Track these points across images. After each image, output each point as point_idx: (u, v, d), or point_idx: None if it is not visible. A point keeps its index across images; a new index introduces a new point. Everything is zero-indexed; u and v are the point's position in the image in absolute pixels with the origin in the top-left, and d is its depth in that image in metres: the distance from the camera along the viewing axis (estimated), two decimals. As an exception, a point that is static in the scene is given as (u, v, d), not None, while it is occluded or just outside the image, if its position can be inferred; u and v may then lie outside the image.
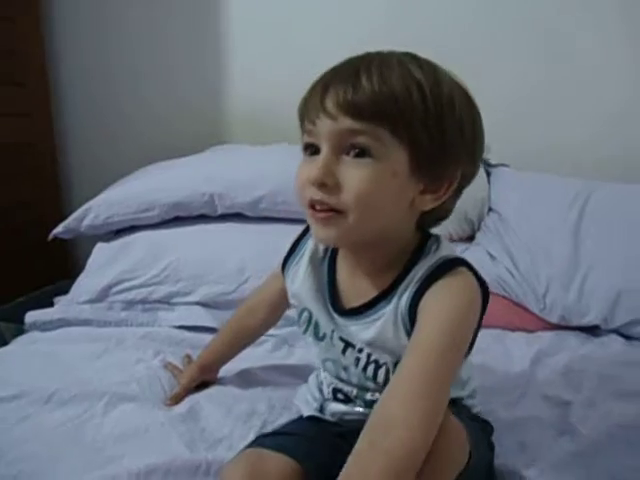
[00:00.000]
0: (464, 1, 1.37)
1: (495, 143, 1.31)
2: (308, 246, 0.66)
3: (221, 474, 0.60)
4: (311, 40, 1.42)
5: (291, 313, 0.74)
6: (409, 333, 0.55)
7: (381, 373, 0.60)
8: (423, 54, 0.55)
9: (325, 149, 0.52)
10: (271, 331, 0.97)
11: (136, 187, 1.18)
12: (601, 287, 1.04)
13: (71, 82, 1.56)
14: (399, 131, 0.50)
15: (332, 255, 0.63)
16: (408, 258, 0.57)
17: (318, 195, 0.52)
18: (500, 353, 0.97)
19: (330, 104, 0.51)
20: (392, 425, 0.47)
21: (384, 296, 0.58)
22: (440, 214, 0.59)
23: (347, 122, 0.50)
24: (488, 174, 1.34)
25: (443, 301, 0.53)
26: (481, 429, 0.64)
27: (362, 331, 0.59)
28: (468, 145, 0.54)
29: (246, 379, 0.84)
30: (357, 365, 0.61)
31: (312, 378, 0.73)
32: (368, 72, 0.50)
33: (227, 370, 0.86)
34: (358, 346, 0.61)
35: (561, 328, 1.06)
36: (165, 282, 1.05)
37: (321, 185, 0.51)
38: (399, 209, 0.54)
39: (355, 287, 0.60)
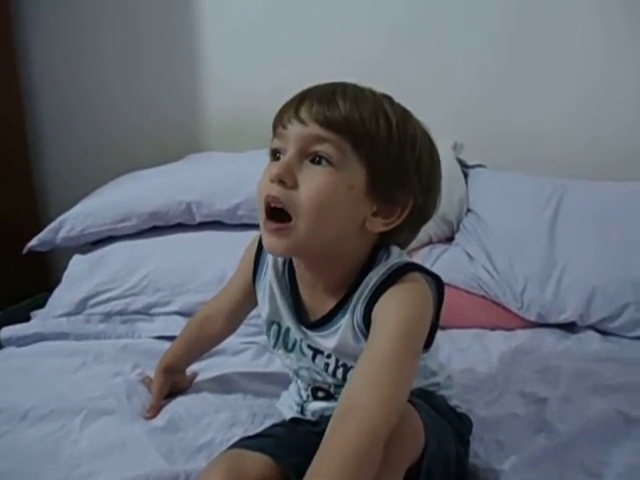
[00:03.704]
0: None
1: (467, 141, 1.36)
2: (270, 259, 0.67)
3: (200, 475, 0.60)
4: (287, 50, 1.42)
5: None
6: (367, 338, 0.58)
7: (350, 375, 0.62)
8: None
9: (291, 151, 0.56)
10: (251, 339, 0.98)
11: (112, 197, 1.17)
12: (576, 284, 1.06)
13: (45, 93, 1.54)
14: (361, 148, 0.54)
15: (290, 270, 0.66)
16: (360, 268, 0.60)
17: (275, 191, 0.55)
18: (479, 352, 0.99)
19: (304, 112, 0.55)
20: (352, 412, 0.50)
21: (339, 308, 0.61)
22: (395, 242, 0.62)
23: (315, 128, 0.54)
24: (465, 175, 1.36)
25: (395, 305, 0.56)
26: (450, 421, 0.66)
27: (326, 340, 0.62)
28: (423, 181, 0.59)
29: (227, 388, 0.83)
30: (327, 370, 0.64)
31: (292, 384, 0.74)
32: (344, 94, 0.55)
33: (208, 379, 0.86)
34: (326, 352, 0.63)
35: (539, 326, 1.08)
36: (143, 292, 1.05)
37: (280, 182, 0.54)
38: (350, 226, 0.57)
39: (315, 301, 0.64)
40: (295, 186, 0.54)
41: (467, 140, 1.37)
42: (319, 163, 0.54)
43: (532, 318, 1.08)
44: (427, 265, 1.14)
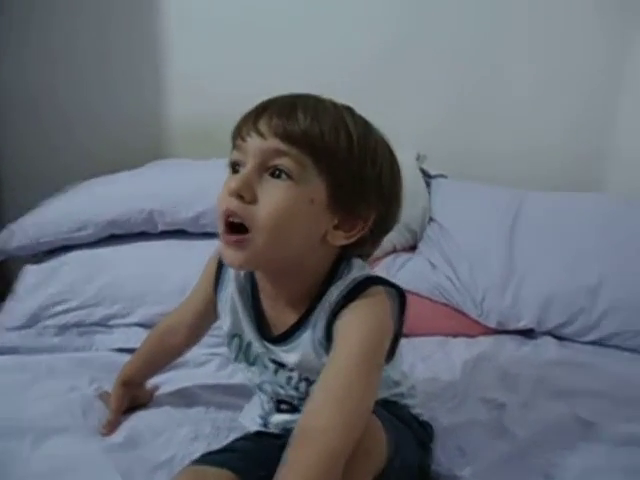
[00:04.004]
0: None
1: (430, 152, 1.40)
2: (232, 272, 0.66)
3: None
4: (254, 55, 1.41)
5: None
6: (329, 353, 0.58)
7: (312, 390, 0.62)
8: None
9: (250, 165, 0.54)
10: (215, 350, 0.96)
11: (68, 205, 1.13)
12: (534, 292, 1.09)
13: (5, 93, 1.47)
14: (321, 163, 0.54)
15: (252, 283, 0.65)
16: (321, 283, 0.60)
17: (233, 205, 0.54)
18: (442, 359, 1.00)
19: (263, 125, 0.54)
20: (312, 433, 0.49)
21: (301, 323, 0.60)
22: (357, 253, 0.62)
23: (275, 142, 0.53)
24: (428, 185, 1.39)
25: (356, 320, 0.56)
26: (414, 430, 0.66)
27: (288, 355, 0.62)
28: (384, 195, 0.59)
29: (189, 401, 0.81)
30: (289, 383, 0.64)
31: (256, 397, 0.73)
32: (304, 108, 0.54)
33: (169, 392, 0.83)
34: (289, 366, 0.63)
35: (499, 332, 1.11)
36: (102, 304, 1.01)
37: (238, 197, 0.54)
38: (311, 239, 0.57)
39: (278, 315, 0.63)
40: (254, 200, 0.54)
41: (430, 153, 1.41)
42: (279, 177, 0.54)
43: (492, 325, 1.10)
44: (391, 274, 1.17)
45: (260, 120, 0.54)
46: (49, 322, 0.99)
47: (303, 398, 0.64)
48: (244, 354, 0.66)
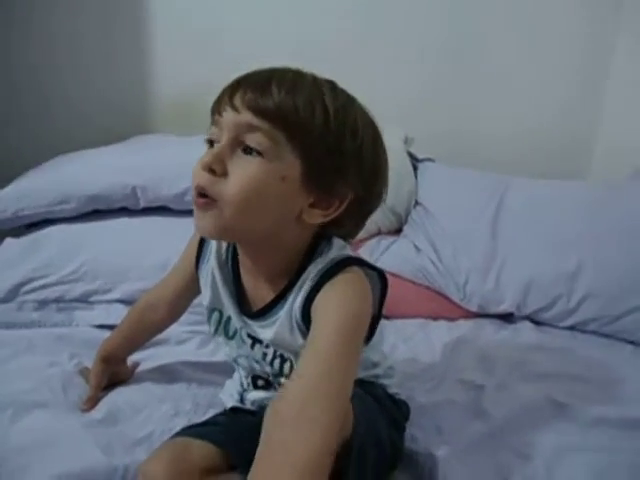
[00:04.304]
0: None
1: (416, 134, 1.39)
2: (213, 246, 0.67)
3: (142, 465, 0.59)
4: (237, 32, 1.38)
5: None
6: (304, 334, 0.58)
7: (286, 367, 0.63)
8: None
9: (224, 139, 0.54)
10: (196, 327, 0.96)
11: (50, 178, 1.11)
12: (515, 277, 1.11)
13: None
14: (295, 139, 0.53)
15: (234, 258, 0.65)
16: (300, 260, 0.60)
17: (204, 180, 0.54)
18: (423, 341, 1.02)
19: (237, 99, 0.53)
20: (303, 424, 0.48)
21: (279, 299, 0.60)
22: (339, 235, 0.62)
23: (248, 116, 0.53)
24: (415, 168, 1.39)
25: (334, 301, 0.56)
26: (385, 406, 0.67)
27: (264, 331, 0.62)
28: (364, 172, 0.57)
29: (170, 377, 0.82)
30: (265, 359, 0.64)
31: (235, 373, 0.74)
32: (280, 82, 0.53)
33: (150, 369, 0.83)
34: (265, 342, 0.63)
35: (480, 316, 1.12)
36: (82, 279, 1.00)
37: (210, 171, 0.53)
38: (284, 216, 0.56)
39: (257, 290, 0.63)
40: (224, 175, 0.53)
41: (418, 135, 1.40)
42: (250, 153, 0.53)
43: (473, 309, 1.12)
44: (375, 256, 1.18)
45: (236, 94, 0.53)
46: (28, 297, 0.98)
47: (278, 375, 0.65)
48: (223, 328, 0.67)
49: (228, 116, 0.54)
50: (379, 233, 1.29)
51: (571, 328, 1.09)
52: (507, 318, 1.13)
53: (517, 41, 1.44)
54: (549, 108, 1.48)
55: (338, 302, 0.55)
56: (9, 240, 1.06)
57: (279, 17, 1.39)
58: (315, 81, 0.56)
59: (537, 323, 1.11)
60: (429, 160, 1.41)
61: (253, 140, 0.53)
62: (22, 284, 0.98)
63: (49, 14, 1.38)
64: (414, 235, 1.24)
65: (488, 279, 1.11)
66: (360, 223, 0.64)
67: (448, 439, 0.71)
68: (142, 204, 1.10)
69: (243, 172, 0.53)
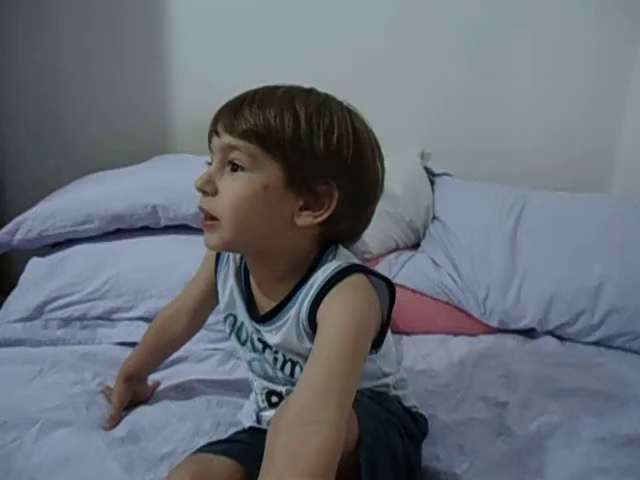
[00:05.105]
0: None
1: (434, 148, 1.39)
2: (230, 255, 0.70)
3: (165, 478, 0.61)
4: (263, 50, 1.41)
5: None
6: (311, 338, 0.60)
7: (297, 371, 0.64)
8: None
9: (214, 162, 0.61)
10: (216, 345, 0.97)
11: (74, 198, 1.13)
12: (536, 291, 1.09)
13: (11, 84, 1.47)
14: (271, 149, 0.57)
15: (244, 264, 0.68)
16: (307, 267, 0.62)
17: (201, 201, 0.61)
18: (443, 357, 1.01)
19: (219, 125, 0.60)
20: (303, 426, 0.49)
21: (285, 304, 0.62)
22: (340, 234, 0.63)
23: (227, 138, 0.58)
24: (432, 183, 1.39)
25: (338, 306, 0.57)
26: (400, 418, 0.66)
27: (271, 336, 0.64)
28: (347, 169, 0.59)
29: (190, 396, 0.82)
30: (275, 364, 0.66)
31: (252, 394, 0.74)
32: (251, 102, 0.59)
33: (171, 387, 0.84)
34: (274, 348, 0.65)
35: (500, 331, 1.11)
36: (105, 297, 1.01)
37: (203, 193, 0.60)
38: (276, 222, 0.59)
39: (264, 296, 0.66)
40: (216, 194, 0.59)
41: (435, 150, 1.40)
42: (235, 170, 0.58)
43: (494, 324, 1.11)
44: (394, 271, 1.17)
45: (218, 121, 0.60)
46: (53, 315, 1.00)
47: (289, 382, 0.66)
48: (236, 333, 0.70)
49: (215, 141, 0.60)
50: (397, 248, 1.29)
51: (596, 344, 1.07)
52: (529, 333, 1.11)
53: (534, 52, 1.43)
54: (568, 118, 1.46)
55: (343, 307, 0.57)
56: (35, 259, 1.09)
57: (298, 38, 1.41)
58: (287, 92, 0.60)
59: (560, 338, 1.09)
60: (446, 175, 1.41)
61: (235, 158, 0.58)
62: (47, 302, 1.00)
63: (82, 30, 1.43)
64: (432, 250, 1.23)
65: (509, 294, 1.10)
66: (360, 219, 0.64)
67: (471, 458, 0.70)
68: (163, 223, 1.12)
69: (230, 188, 0.58)
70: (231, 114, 0.58)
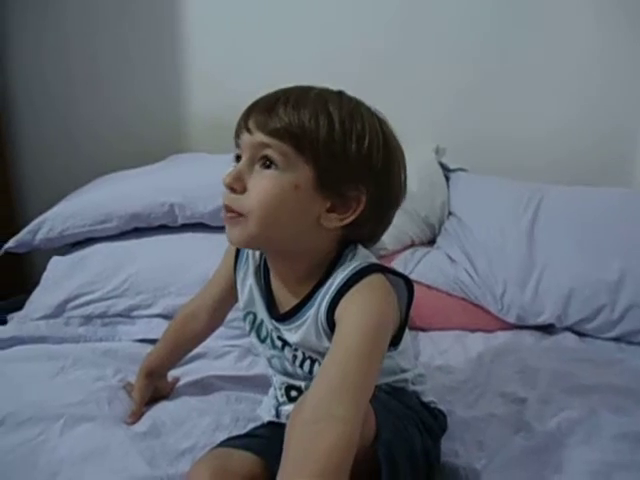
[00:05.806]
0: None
1: (447, 143, 1.38)
2: (250, 253, 0.70)
3: (188, 473, 0.62)
4: (274, 49, 1.42)
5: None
6: (329, 337, 0.61)
7: (316, 368, 0.65)
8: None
9: (243, 158, 0.60)
10: (234, 342, 0.97)
11: (93, 198, 1.15)
12: (554, 287, 1.08)
13: (28, 87, 1.49)
14: (304, 150, 0.57)
15: (265, 264, 0.68)
16: (326, 267, 0.62)
17: (228, 199, 0.60)
18: (460, 353, 1.00)
19: (251, 122, 0.59)
20: (327, 422, 0.50)
21: (305, 303, 0.63)
22: (362, 236, 0.64)
23: (260, 136, 0.58)
24: (447, 179, 1.38)
25: (357, 305, 0.58)
26: (418, 413, 0.67)
27: (291, 334, 0.65)
28: (375, 174, 0.60)
29: (209, 392, 0.83)
30: (294, 362, 0.67)
31: (271, 389, 0.75)
32: (285, 101, 0.58)
33: (190, 383, 0.85)
34: (293, 345, 0.66)
35: (518, 327, 1.10)
36: (125, 295, 1.03)
37: (231, 190, 0.59)
38: (302, 222, 0.59)
39: (284, 294, 0.66)
40: (245, 191, 0.59)
41: (449, 145, 1.39)
42: (268, 167, 0.58)
43: (512, 320, 1.10)
44: (409, 267, 1.17)
45: (249, 118, 0.59)
46: (74, 312, 1.02)
47: (308, 378, 0.66)
48: (256, 330, 0.70)
49: (245, 138, 0.59)
50: (412, 244, 1.29)
51: (616, 339, 1.05)
52: (547, 329, 1.10)
53: (546, 40, 1.40)
54: (585, 107, 1.42)
55: (361, 306, 0.58)
56: (56, 258, 1.11)
57: (309, 38, 1.42)
58: (320, 94, 0.60)
59: (580, 334, 1.08)
60: (461, 170, 1.40)
61: (267, 155, 0.58)
62: (69, 300, 1.03)
63: (91, 30, 1.45)
64: (448, 246, 1.22)
65: (526, 290, 1.09)
66: (382, 221, 0.65)
67: (490, 454, 0.69)
68: (180, 221, 1.13)
69: (260, 186, 0.58)
70: (265, 112, 0.58)
